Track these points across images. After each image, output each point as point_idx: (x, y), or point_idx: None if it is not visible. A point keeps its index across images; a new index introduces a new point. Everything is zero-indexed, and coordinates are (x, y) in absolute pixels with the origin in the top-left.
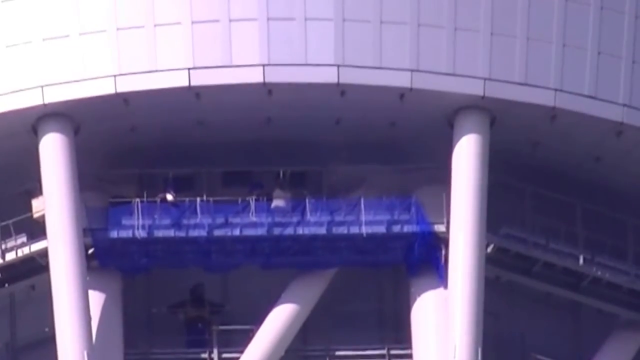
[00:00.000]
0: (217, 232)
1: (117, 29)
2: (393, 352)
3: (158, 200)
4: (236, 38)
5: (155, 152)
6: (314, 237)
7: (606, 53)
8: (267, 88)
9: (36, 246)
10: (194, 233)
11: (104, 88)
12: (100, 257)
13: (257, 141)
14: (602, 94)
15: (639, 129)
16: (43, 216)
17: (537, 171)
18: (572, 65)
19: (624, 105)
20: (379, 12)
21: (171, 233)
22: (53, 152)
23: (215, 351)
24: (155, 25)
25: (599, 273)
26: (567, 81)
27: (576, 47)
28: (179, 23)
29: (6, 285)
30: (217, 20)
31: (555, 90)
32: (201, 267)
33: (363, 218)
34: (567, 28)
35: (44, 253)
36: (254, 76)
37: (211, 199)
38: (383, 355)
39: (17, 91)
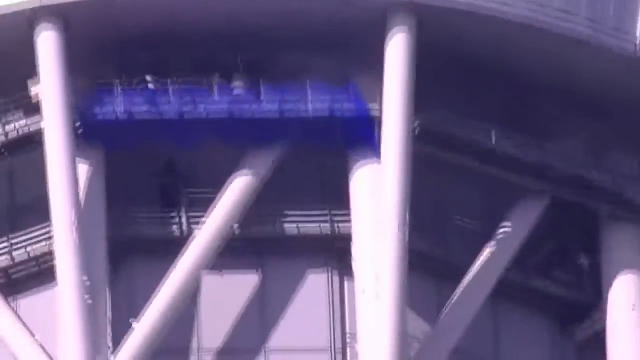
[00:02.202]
0: (185, 112)
1: None
2: (334, 212)
3: (135, 83)
4: None
5: (134, 45)
6: (267, 117)
7: None
8: None
9: (32, 123)
10: (165, 113)
11: None
12: (87, 134)
13: (219, 33)
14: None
15: (541, 30)
16: (39, 98)
17: (460, 62)
18: None
19: (532, 5)
20: None
21: (147, 113)
22: (47, 45)
23: (184, 210)
24: None
25: (507, 148)
26: (585, 14)
27: None
28: None
29: (7, 156)
30: None
31: (538, 12)
32: (173, 143)
33: (309, 101)
34: None
35: (39, 130)
36: None
37: (180, 82)
38: (326, 215)
39: None
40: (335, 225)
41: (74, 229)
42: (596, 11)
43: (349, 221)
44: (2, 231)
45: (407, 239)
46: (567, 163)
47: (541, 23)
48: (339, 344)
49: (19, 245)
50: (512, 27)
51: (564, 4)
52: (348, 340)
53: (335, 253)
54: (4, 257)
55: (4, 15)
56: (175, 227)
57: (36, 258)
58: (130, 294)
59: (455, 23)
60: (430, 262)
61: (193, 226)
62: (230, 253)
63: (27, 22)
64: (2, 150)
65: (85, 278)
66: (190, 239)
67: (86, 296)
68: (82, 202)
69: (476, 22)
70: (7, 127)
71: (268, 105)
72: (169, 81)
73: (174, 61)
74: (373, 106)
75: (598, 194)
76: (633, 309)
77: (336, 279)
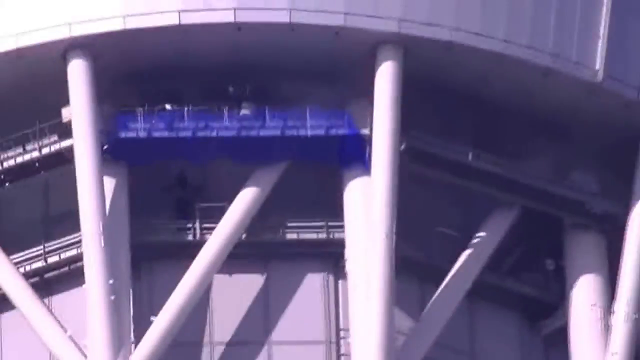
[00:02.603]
0: (199, 134)
1: None
2: (330, 221)
3: (155, 110)
4: None
5: (155, 75)
6: (271, 138)
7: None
8: (237, 26)
9: (65, 143)
10: (181, 134)
11: (116, 25)
12: (112, 152)
13: (229, 66)
14: (486, 32)
15: (518, 61)
16: (70, 121)
17: (441, 89)
18: (464, 8)
19: (504, 41)
20: None
21: (165, 134)
22: (77, 74)
23: (198, 221)
24: None
25: (482, 165)
26: (462, 22)
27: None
28: None
29: (42, 172)
30: None
31: (451, 29)
32: (187, 160)
33: (308, 124)
34: None
35: (70, 149)
36: (227, 17)
37: (195, 108)
38: (322, 224)
39: (51, 27)
40: (331, 232)
41: (100, 236)
42: (559, 45)
43: (343, 229)
44: (38, 238)
45: (393, 245)
46: (535, 179)
47: (512, 55)
48: (333, 337)
49: (53, 251)
50: (487, 59)
51: (531, 39)
52: (342, 334)
53: (331, 257)
54: (39, 261)
55: (40, 47)
56: (189, 235)
57: (67, 262)
58: (150, 293)
59: (437, 55)
60: (414, 266)
61: (205, 233)
62: (238, 257)
63: (60, 53)
64: (38, 166)
65: (110, 279)
66: (203, 245)
67: (111, 296)
68: (107, 212)
69: (455, 55)
70: (43, 147)
71: (271, 127)
72: (184, 107)
73: (189, 89)
74: (364, 128)
75: (562, 206)
76: (592, 307)
77: (331, 279)
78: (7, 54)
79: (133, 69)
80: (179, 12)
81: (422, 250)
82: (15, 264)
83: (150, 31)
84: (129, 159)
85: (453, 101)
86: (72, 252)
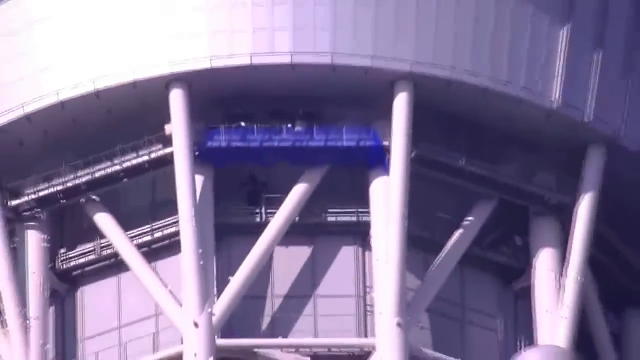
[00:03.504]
0: (265, 144)
1: (213, 32)
2: (360, 210)
3: (233, 126)
4: (278, 40)
5: (232, 100)
6: (316, 148)
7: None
8: (292, 66)
9: (167, 150)
10: (252, 144)
11: (205, 64)
12: (201, 157)
13: (286, 94)
14: (475, 70)
15: (499, 93)
16: (171, 134)
17: (442, 113)
18: (459, 52)
19: (489, 77)
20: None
21: (240, 144)
22: (176, 100)
23: (263, 208)
24: (233, 32)
25: (471, 168)
26: (457, 63)
27: (451, 35)
28: (243, 31)
29: (150, 171)
30: (264, 28)
31: (450, 67)
32: (256, 163)
33: (344, 137)
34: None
35: (171, 154)
36: (286, 59)
37: (262, 125)
38: (354, 212)
39: (158, 65)
40: (360, 216)
41: (192, 217)
42: (528, 81)
43: (369, 214)
44: (147, 219)
45: (405, 226)
46: (509, 178)
47: (494, 89)
48: (361, 292)
49: (157, 228)
50: (476, 91)
51: (508, 76)
52: (367, 290)
53: (360, 235)
54: (147, 236)
55: (149, 80)
56: (257, 217)
57: (168, 236)
58: (229, 260)
59: (439, 88)
60: (420, 241)
61: (269, 216)
62: (293, 234)
63: (164, 85)
64: (147, 167)
65: (199, 249)
66: (267, 225)
67: (200, 261)
68: (197, 201)
69: (453, 88)
70: (151, 153)
71: (317, 140)
72: (254, 125)
73: (258, 112)
74: (385, 141)
75: (528, 198)
76: (550, 272)
77: (360, 251)
78: (125, 84)
79: (217, 96)
80: (251, 55)
81: (426, 230)
82: (130, 237)
83: (229, 69)
84: (214, 162)
85: (451, 122)
86: (172, 229)
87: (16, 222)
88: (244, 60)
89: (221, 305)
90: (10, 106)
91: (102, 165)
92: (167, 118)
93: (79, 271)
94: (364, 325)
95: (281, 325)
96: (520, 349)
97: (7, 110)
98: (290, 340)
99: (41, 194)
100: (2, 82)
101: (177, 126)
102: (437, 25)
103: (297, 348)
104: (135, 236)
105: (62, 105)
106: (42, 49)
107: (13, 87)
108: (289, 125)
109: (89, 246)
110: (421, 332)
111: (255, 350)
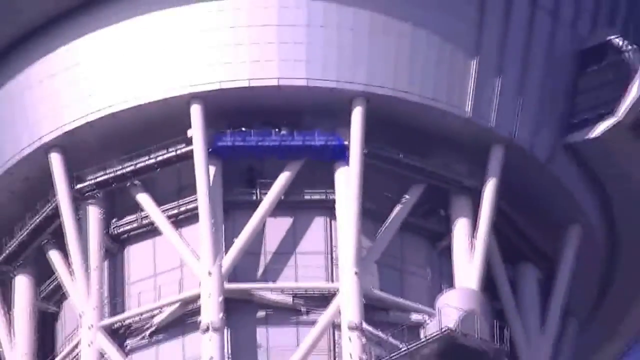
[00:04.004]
0: (259, 143)
1: (222, 64)
2: (328, 190)
3: (236, 131)
4: (268, 69)
5: (239, 114)
6: (297, 146)
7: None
8: (279, 88)
9: (189, 148)
10: (250, 144)
11: (214, 87)
12: (214, 152)
13: (274, 108)
14: (403, 88)
15: (431, 108)
16: (191, 137)
17: (390, 121)
18: (401, 75)
19: (419, 95)
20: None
21: (242, 144)
22: (196, 113)
23: (258, 189)
24: (236, 63)
25: (408, 161)
26: (398, 84)
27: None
28: (243, 62)
29: (177, 164)
30: (258, 61)
31: (393, 88)
32: (253, 157)
33: (316, 139)
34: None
35: (192, 151)
36: (273, 82)
37: (257, 130)
38: (324, 192)
39: (181, 86)
40: (328, 195)
41: (207, 195)
42: (449, 98)
43: (334, 194)
44: (174, 198)
45: (360, 202)
46: (436, 167)
47: (424, 103)
48: (329, 250)
49: (183, 204)
50: (411, 105)
51: (434, 94)
52: (334, 248)
53: (328, 209)
54: (175, 209)
55: (175, 97)
56: (254, 196)
57: (190, 210)
58: (233, 226)
59: (384, 103)
60: (371, 213)
61: (262, 195)
62: (279, 209)
63: (186, 101)
64: (174, 160)
65: (212, 219)
66: (261, 202)
67: (212, 228)
68: (211, 184)
69: (394, 102)
70: (177, 150)
71: (297, 140)
72: (252, 130)
73: (255, 120)
74: (346, 141)
75: (449, 182)
76: (465, 235)
77: (328, 220)
78: (159, 101)
79: (225, 109)
80: (249, 80)
81: (375, 205)
82: (162, 211)
83: (233, 90)
84: (222, 157)
85: (393, 127)
86: (192, 205)
87: (80, 200)
88: (244, 84)
89: (228, 259)
90: (76, 117)
91: (142, 159)
92: (189, 125)
93: (126, 235)
94: (331, 273)
95: (271, 274)
96: (443, 290)
97: (73, 120)
98: (278, 284)
99: (99, 179)
100: (70, 99)
101: (196, 131)
102: (383, 57)
103: (282, 290)
104: (166, 210)
105: (113, 115)
106: (101, 75)
107: (78, 103)
108: (277, 130)
109: (133, 217)
110: (372, 278)
111: (253, 292)
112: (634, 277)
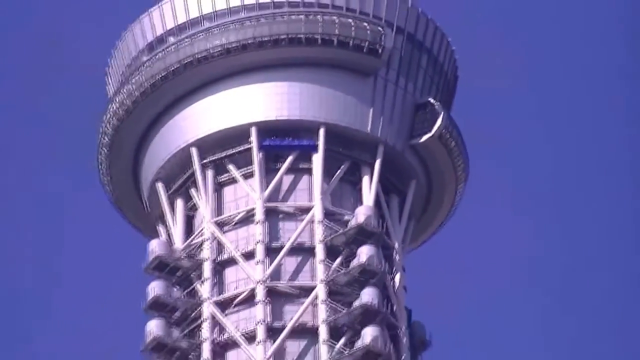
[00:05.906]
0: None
1: (259, 110)
2: (310, 166)
3: (267, 139)
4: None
5: (270, 131)
6: (286, 146)
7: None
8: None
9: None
10: (274, 144)
11: (282, 115)
12: (262, 149)
13: (280, 129)
14: (337, 119)
15: (351, 129)
16: (251, 140)
17: (333, 135)
18: (330, 109)
19: (347, 122)
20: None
21: (272, 144)
22: (253, 132)
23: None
24: (268, 108)
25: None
26: (338, 118)
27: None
28: (271, 109)
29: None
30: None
31: (334, 119)
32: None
33: (303, 143)
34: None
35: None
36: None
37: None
38: (306, 168)
39: (242, 117)
40: (309, 167)
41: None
42: (362, 122)
43: (311, 165)
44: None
45: (322, 176)
46: (360, 155)
47: (350, 127)
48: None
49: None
50: (341, 128)
51: (354, 120)
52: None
53: (309, 172)
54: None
55: (239, 127)
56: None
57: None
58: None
59: (332, 128)
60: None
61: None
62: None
63: (248, 127)
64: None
65: None
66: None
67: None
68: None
69: (337, 128)
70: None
71: (286, 142)
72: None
73: (276, 135)
74: (317, 143)
75: (360, 161)
76: (367, 183)
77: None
78: (217, 132)
79: (264, 131)
80: (276, 116)
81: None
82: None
83: (265, 122)
84: (266, 151)
85: (335, 138)
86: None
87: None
88: (272, 118)
89: None
90: (180, 142)
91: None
92: (250, 137)
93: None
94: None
95: None
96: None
97: (176, 147)
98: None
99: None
100: (178, 121)
101: (254, 140)
102: (333, 101)
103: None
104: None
105: (217, 132)
106: (196, 113)
107: (183, 127)
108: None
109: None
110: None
111: None
112: (437, 201)
